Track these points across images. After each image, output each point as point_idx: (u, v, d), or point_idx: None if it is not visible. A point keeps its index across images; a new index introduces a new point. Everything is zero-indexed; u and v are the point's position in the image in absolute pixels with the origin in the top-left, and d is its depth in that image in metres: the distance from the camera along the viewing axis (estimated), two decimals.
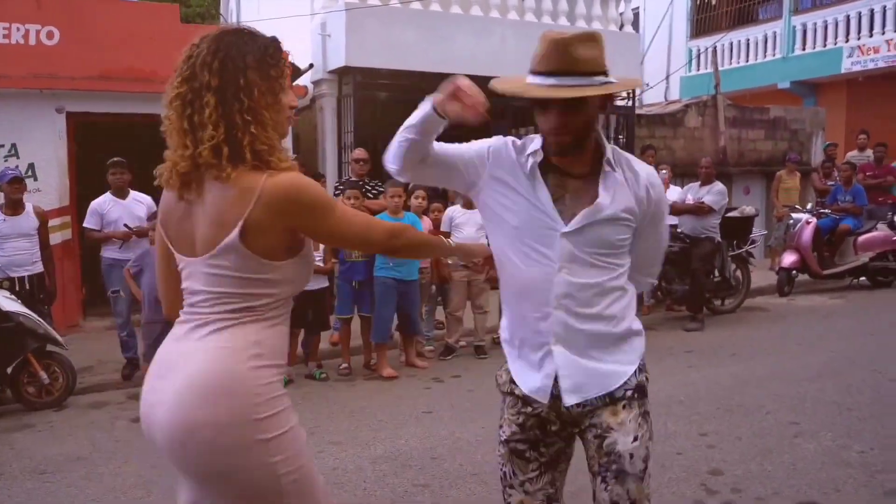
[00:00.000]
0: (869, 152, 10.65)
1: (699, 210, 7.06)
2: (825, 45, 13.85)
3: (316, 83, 9.10)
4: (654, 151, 9.37)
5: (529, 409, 1.89)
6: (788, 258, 8.45)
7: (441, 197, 7.20)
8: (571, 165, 1.88)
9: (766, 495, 3.36)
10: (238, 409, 1.53)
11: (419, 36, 8.80)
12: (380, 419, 4.64)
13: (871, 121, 12.66)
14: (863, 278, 8.86)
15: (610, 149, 1.89)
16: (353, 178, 6.91)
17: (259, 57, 1.60)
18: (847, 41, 13.44)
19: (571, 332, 1.83)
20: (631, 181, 1.87)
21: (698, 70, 16.38)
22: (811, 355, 5.80)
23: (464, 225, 6.13)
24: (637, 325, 1.92)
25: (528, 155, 1.87)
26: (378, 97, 8.76)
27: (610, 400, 1.83)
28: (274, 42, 1.66)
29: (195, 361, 1.56)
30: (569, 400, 1.83)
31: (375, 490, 3.59)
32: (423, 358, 6.11)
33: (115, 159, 6.04)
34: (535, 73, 1.77)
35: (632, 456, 1.79)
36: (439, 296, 6.56)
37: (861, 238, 8.59)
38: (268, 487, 1.56)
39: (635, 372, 1.87)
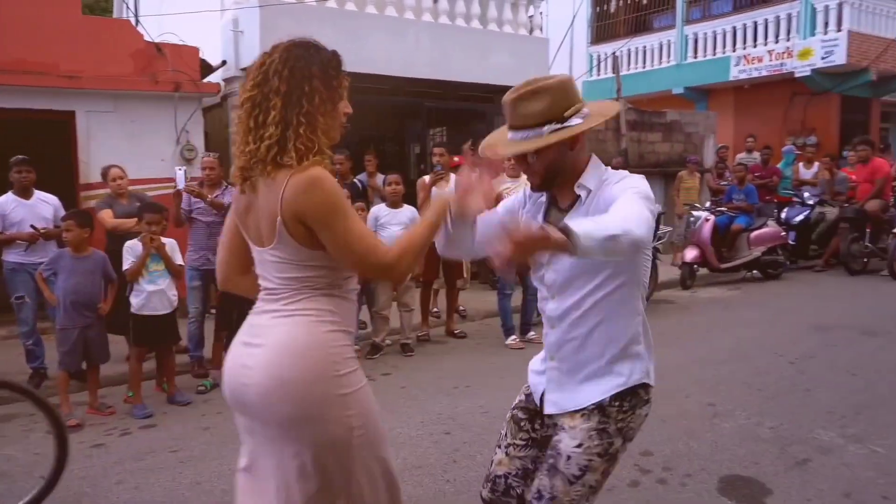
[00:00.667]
0: (756, 154, 11.46)
1: None
2: (715, 54, 14.75)
3: (228, 80, 8.86)
4: None
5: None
6: (690, 253, 8.97)
7: (362, 196, 7.19)
8: (561, 199, 2.07)
9: (693, 471, 3.60)
10: (320, 367, 1.78)
11: (335, 35, 8.69)
12: None
13: (757, 125, 13.64)
14: (755, 271, 9.53)
15: (595, 175, 1.99)
16: None
17: (323, 68, 1.79)
18: (734, 51, 14.37)
19: (556, 355, 2.07)
20: (600, 205, 1.90)
21: (599, 75, 17.08)
22: (719, 342, 6.21)
23: (389, 223, 6.14)
24: (630, 361, 2.02)
25: (538, 198, 2.13)
26: None
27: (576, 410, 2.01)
28: (335, 55, 1.86)
29: (279, 330, 1.81)
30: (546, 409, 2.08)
31: None
32: None
33: (19, 157, 5.67)
34: (509, 128, 2.01)
35: (569, 458, 1.94)
36: (363, 295, 6.55)
37: (753, 234, 9.23)
38: (341, 438, 1.78)
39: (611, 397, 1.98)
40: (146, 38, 7.98)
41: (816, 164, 11.17)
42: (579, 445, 1.94)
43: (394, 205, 6.23)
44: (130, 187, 6.14)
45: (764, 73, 13.81)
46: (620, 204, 1.76)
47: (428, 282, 6.81)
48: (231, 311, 5.41)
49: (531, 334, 6.46)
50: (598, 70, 17.10)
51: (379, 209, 6.27)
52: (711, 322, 7.10)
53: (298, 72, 1.76)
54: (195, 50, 8.25)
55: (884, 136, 15.50)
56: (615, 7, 17.31)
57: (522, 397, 2.19)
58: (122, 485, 3.68)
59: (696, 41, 15.19)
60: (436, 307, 7.36)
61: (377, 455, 1.87)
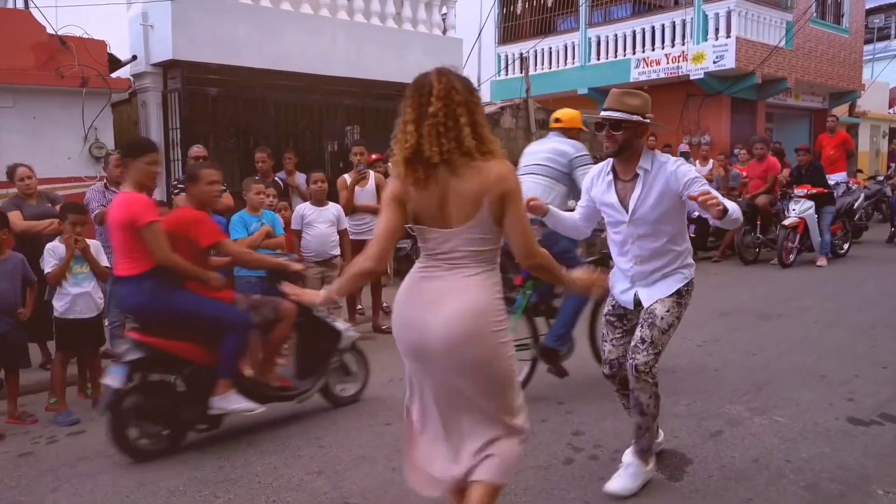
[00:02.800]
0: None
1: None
2: (616, 56, 15.46)
3: (137, 76, 8.58)
4: None
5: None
6: None
7: (284, 194, 7.16)
8: (623, 174, 3.28)
9: (621, 448, 3.84)
10: (493, 323, 2.37)
11: (250, 31, 8.64)
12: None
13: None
14: None
15: (649, 159, 3.19)
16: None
17: (471, 88, 2.41)
18: (634, 53, 15.11)
19: (641, 274, 3.31)
20: (658, 180, 3.16)
21: (507, 75, 17.54)
22: None
23: (315, 222, 6.17)
24: (686, 268, 3.33)
25: (605, 175, 3.35)
26: (209, 92, 8.47)
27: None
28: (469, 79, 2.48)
29: (465, 294, 2.35)
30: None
31: (270, 481, 3.62)
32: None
33: None
34: (603, 110, 3.18)
35: (662, 318, 3.22)
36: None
37: None
38: (506, 373, 2.45)
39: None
40: (48, 30, 7.63)
41: (711, 161, 11.95)
42: (668, 311, 3.23)
43: (319, 202, 6.26)
44: (39, 187, 5.90)
45: (662, 75, 14.59)
46: (709, 192, 3.01)
47: None
48: None
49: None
50: (507, 70, 17.56)
51: (304, 207, 6.27)
52: None
53: (466, 90, 2.36)
54: (103, 44, 7.96)
55: (769, 134, 16.70)
56: (521, 9, 17.81)
57: (609, 308, 3.46)
58: (58, 491, 3.59)
59: (598, 44, 15.85)
60: (360, 304, 7.43)
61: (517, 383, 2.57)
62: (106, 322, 5.36)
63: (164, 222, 3.99)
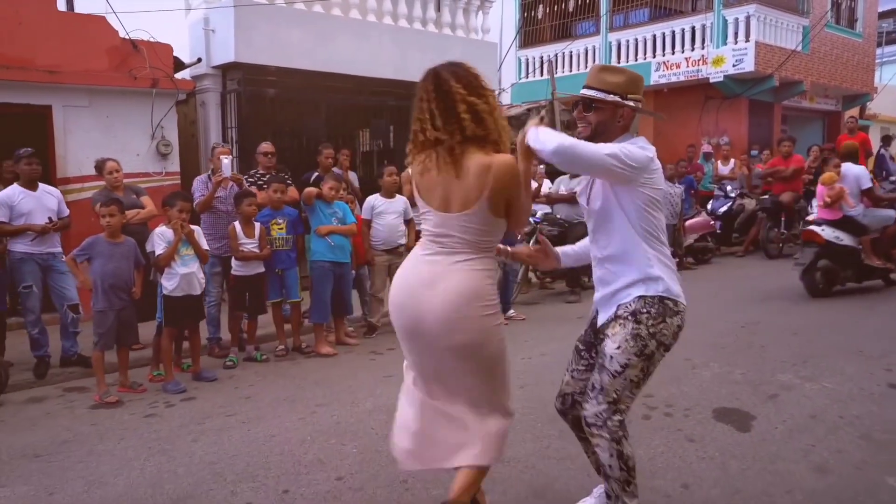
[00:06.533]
0: None
1: (573, 199, 8.16)
2: (637, 60, 15.91)
3: (196, 77, 9.06)
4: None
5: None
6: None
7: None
8: None
9: (690, 407, 4.35)
10: (485, 307, 2.47)
11: (304, 36, 9.12)
12: (348, 384, 5.08)
13: (674, 126, 14.85)
14: (689, 258, 10.57)
15: (619, 142, 2.57)
16: (261, 171, 7.07)
17: (474, 77, 2.50)
18: (654, 57, 15.58)
19: (599, 284, 2.75)
20: None
21: (527, 77, 18.05)
22: None
23: (385, 212, 6.62)
24: (644, 274, 2.59)
25: None
26: (266, 93, 8.96)
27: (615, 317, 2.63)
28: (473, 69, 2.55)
29: (458, 278, 2.44)
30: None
31: (386, 433, 4.07)
32: (351, 336, 6.56)
33: (28, 150, 5.82)
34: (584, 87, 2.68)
35: (612, 357, 2.56)
36: (355, 282, 6.96)
37: (687, 223, 10.27)
38: (496, 356, 2.53)
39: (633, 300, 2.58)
40: (121, 34, 8.12)
41: (732, 160, 12.42)
42: (618, 347, 2.54)
43: (389, 194, 6.72)
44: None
45: (682, 78, 15.06)
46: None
47: None
48: (244, 293, 5.83)
49: (510, 312, 7.12)
50: (527, 73, 18.06)
51: (374, 199, 6.71)
52: None
53: (467, 79, 2.49)
54: (169, 47, 8.44)
55: (784, 136, 17.15)
56: (542, 14, 18.30)
57: (583, 333, 2.84)
58: (197, 442, 4.06)
59: (619, 47, 16.33)
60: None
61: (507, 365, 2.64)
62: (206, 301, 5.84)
63: None
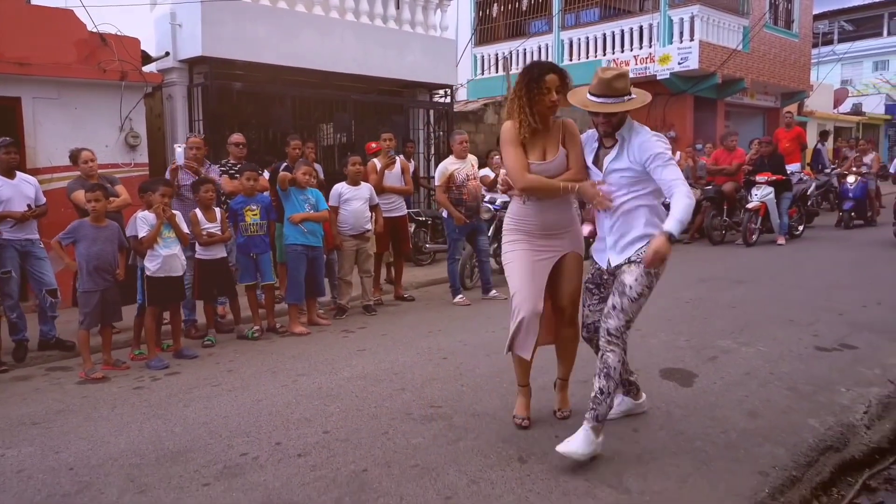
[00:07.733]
0: None
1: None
2: (588, 58, 16.54)
3: (163, 71, 9.22)
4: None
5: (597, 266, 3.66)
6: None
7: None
8: (606, 142, 3.48)
9: (638, 368, 4.77)
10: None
11: (269, 30, 9.37)
12: (325, 357, 5.42)
13: None
14: None
15: (628, 127, 3.40)
16: (233, 161, 7.30)
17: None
18: (605, 55, 16.21)
19: (612, 237, 3.51)
20: (634, 148, 3.35)
21: (483, 74, 18.54)
22: None
23: (352, 199, 6.96)
24: (651, 230, 3.36)
25: (592, 143, 3.57)
26: (233, 87, 9.18)
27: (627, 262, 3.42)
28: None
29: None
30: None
31: (366, 395, 4.45)
32: (322, 318, 6.87)
33: (7, 139, 5.98)
34: (592, 94, 3.38)
35: (630, 286, 3.36)
36: (325, 268, 7.26)
37: None
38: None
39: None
40: (88, 27, 8.25)
41: (679, 153, 13.06)
42: (636, 279, 3.34)
43: (354, 182, 7.06)
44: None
45: (631, 75, 15.55)
46: (670, 175, 3.26)
47: (379, 254, 7.71)
48: (211, 277, 6.07)
49: (493, 293, 7.55)
50: (483, 70, 18.54)
51: (342, 186, 7.04)
52: None
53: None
54: (137, 41, 8.59)
55: (727, 130, 18.00)
56: (496, 12, 18.79)
57: (589, 276, 3.68)
58: (189, 407, 4.35)
59: (570, 45, 16.93)
60: (384, 278, 8.26)
61: None
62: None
63: None
